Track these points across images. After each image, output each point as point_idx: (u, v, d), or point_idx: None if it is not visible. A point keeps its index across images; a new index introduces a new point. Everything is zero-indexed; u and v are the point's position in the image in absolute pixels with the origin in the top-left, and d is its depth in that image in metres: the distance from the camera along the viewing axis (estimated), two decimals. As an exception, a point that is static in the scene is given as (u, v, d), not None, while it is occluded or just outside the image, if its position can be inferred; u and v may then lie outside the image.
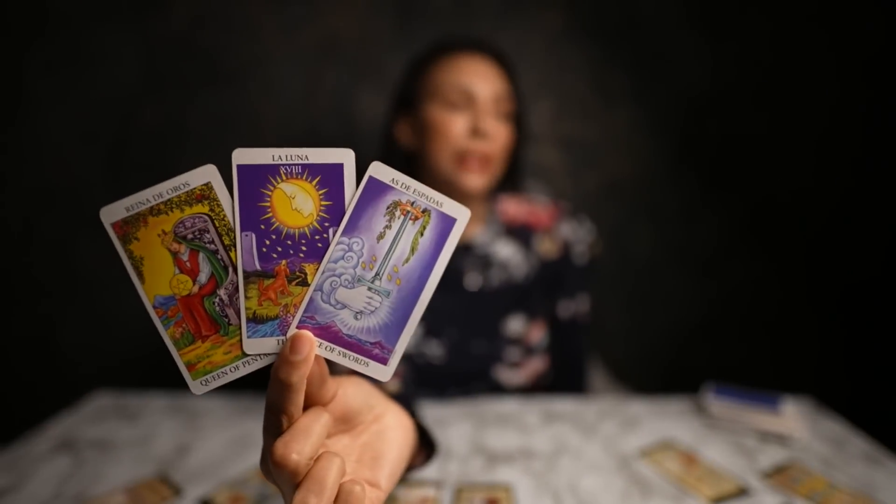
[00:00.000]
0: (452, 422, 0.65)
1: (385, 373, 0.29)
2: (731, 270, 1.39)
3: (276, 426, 0.27)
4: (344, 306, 0.29)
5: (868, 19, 1.27)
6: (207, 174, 0.27)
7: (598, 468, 0.56)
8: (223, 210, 0.27)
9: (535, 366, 0.81)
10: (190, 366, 0.28)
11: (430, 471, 0.55)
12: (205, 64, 1.24)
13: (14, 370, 1.37)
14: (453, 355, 0.78)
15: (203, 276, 0.28)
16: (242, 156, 0.27)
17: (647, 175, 1.34)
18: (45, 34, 1.22)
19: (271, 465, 0.26)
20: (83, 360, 1.37)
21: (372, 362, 0.29)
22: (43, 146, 1.26)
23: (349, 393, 0.32)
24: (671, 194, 1.35)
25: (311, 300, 0.28)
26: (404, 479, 0.45)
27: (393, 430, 0.34)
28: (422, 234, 0.29)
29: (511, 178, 0.85)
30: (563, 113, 1.30)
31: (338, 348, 0.29)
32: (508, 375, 0.80)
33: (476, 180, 0.73)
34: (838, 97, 1.31)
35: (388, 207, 0.28)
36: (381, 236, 0.29)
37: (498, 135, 0.74)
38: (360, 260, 0.28)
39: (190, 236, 0.27)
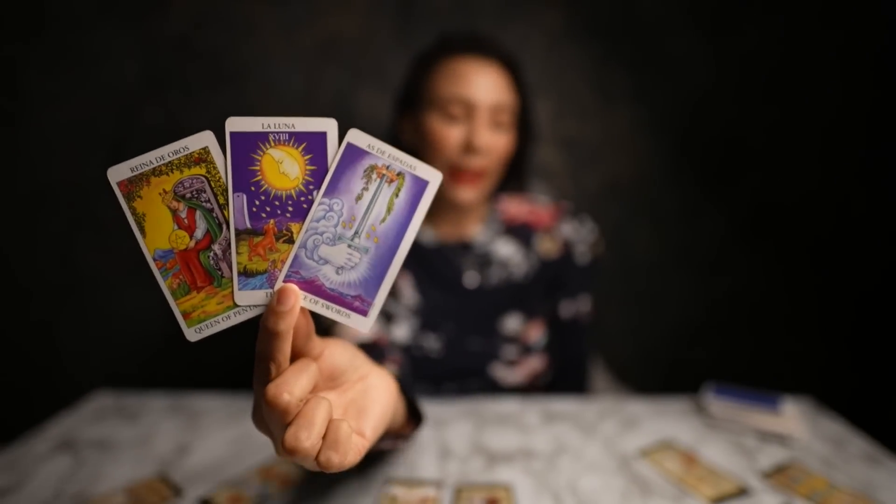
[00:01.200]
0: (452, 422, 0.65)
1: (365, 323, 0.31)
2: (732, 270, 1.39)
3: (265, 374, 0.29)
4: (326, 262, 0.31)
5: (872, 19, 1.27)
6: (205, 139, 0.29)
7: (598, 468, 0.56)
8: (219, 172, 0.30)
9: (533, 365, 0.81)
10: (185, 314, 0.30)
11: (430, 471, 0.55)
12: (205, 64, 1.24)
13: (14, 370, 1.37)
14: (450, 350, 0.78)
15: (199, 232, 0.30)
16: (235, 124, 0.29)
17: (648, 175, 1.34)
18: (45, 34, 1.22)
19: (264, 406, 0.28)
20: (83, 360, 1.37)
21: (353, 314, 0.31)
22: (43, 146, 1.26)
23: (335, 353, 0.34)
24: (672, 194, 1.35)
25: (296, 256, 0.30)
26: (382, 453, 0.47)
27: (376, 388, 0.36)
28: (397, 196, 0.31)
29: (515, 179, 0.84)
30: (564, 113, 1.30)
31: (321, 300, 0.31)
32: (505, 373, 0.80)
33: (467, 194, 0.74)
34: (841, 97, 1.31)
35: (365, 171, 0.30)
36: (359, 197, 0.31)
37: (494, 148, 0.73)
38: (341, 219, 0.31)
39: (188, 195, 0.30)
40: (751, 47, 1.28)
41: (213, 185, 0.30)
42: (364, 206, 0.31)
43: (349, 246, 0.31)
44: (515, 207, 0.86)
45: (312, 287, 0.31)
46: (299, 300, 0.29)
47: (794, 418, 0.63)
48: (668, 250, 1.38)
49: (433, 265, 0.80)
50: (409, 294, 0.79)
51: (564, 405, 0.71)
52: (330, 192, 0.30)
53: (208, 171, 0.30)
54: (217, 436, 0.63)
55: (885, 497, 0.51)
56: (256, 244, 0.30)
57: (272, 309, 0.28)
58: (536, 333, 0.82)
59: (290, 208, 0.30)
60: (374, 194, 0.31)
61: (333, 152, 0.30)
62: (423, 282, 0.80)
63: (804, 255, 1.39)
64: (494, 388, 0.80)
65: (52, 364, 1.37)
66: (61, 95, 1.24)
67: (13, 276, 1.32)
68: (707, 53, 1.28)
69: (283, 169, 0.30)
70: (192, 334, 0.30)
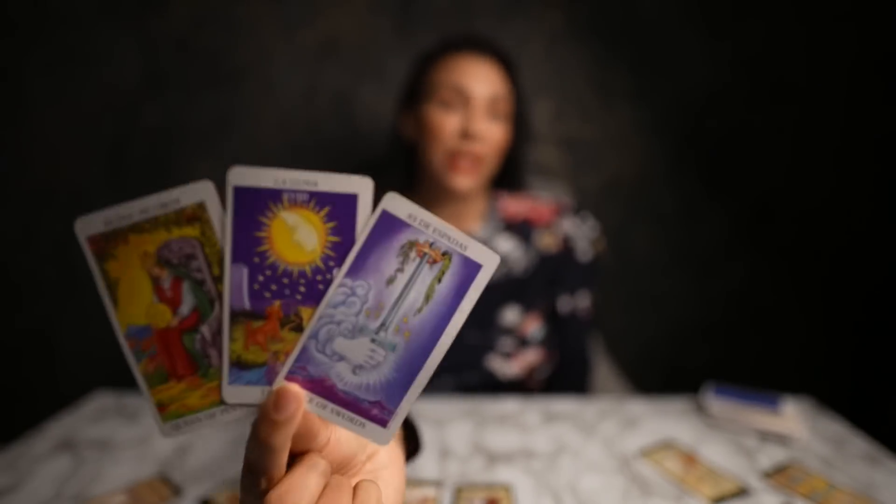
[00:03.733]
0: (452, 422, 0.65)
1: (384, 436, 0.26)
2: (732, 270, 1.39)
3: (255, 486, 0.24)
4: (341, 358, 0.25)
5: (880, 19, 1.27)
6: (202, 192, 0.24)
7: (598, 468, 0.56)
8: (215, 236, 0.24)
9: (529, 358, 0.82)
10: (161, 406, 0.25)
11: (430, 471, 0.54)
12: (205, 64, 1.24)
13: (14, 370, 1.37)
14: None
15: (185, 309, 0.25)
16: (241, 176, 0.24)
17: (648, 175, 1.34)
18: (44, 34, 1.22)
19: None
20: (83, 360, 1.37)
21: (369, 423, 0.26)
22: (43, 146, 1.26)
23: (342, 439, 0.28)
24: (671, 194, 1.35)
25: (305, 349, 0.25)
26: None
27: (387, 468, 0.31)
28: (440, 281, 0.25)
29: (511, 177, 0.85)
30: (563, 113, 1.30)
31: (331, 405, 0.26)
32: (501, 366, 0.80)
33: (464, 181, 0.75)
34: (844, 97, 1.31)
35: (401, 247, 0.25)
36: (391, 280, 0.25)
37: (490, 136, 0.75)
38: (365, 307, 0.25)
39: (175, 261, 0.24)
40: (751, 47, 1.28)
41: (206, 252, 0.24)
42: (397, 292, 0.25)
43: (372, 340, 0.25)
44: (515, 205, 0.87)
45: (321, 388, 0.25)
46: (302, 406, 0.23)
47: (794, 418, 0.63)
48: (668, 250, 1.38)
49: None
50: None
51: (564, 405, 0.71)
52: (355, 271, 0.24)
53: (203, 233, 0.24)
54: (217, 436, 0.63)
55: (885, 497, 0.50)
56: (256, 330, 0.24)
57: (266, 414, 0.23)
58: (534, 326, 0.83)
59: (303, 288, 0.24)
60: (412, 278, 0.25)
61: (364, 221, 0.24)
62: None
63: (805, 255, 1.39)
64: (491, 381, 0.80)
65: (52, 364, 1.37)
66: (61, 95, 1.24)
67: (13, 276, 1.32)
68: (709, 53, 1.28)
69: (298, 238, 0.24)
70: (168, 430, 0.25)
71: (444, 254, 0.25)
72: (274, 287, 0.24)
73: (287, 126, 1.28)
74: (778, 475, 0.54)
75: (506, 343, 0.81)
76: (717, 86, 1.30)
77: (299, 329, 0.25)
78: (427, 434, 0.62)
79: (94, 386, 0.88)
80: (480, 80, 0.74)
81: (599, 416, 0.68)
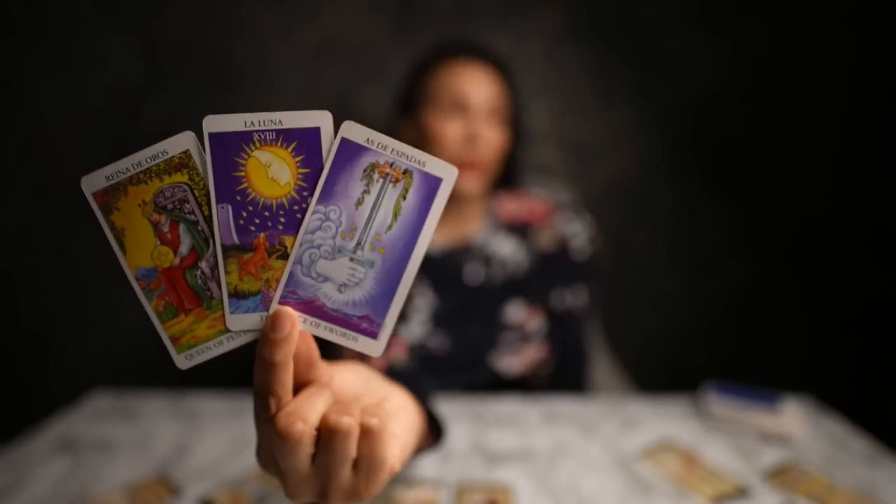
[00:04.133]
0: (452, 421, 0.65)
1: (376, 347, 0.28)
2: (732, 270, 1.39)
3: (265, 410, 0.26)
4: (326, 279, 0.27)
5: (880, 20, 1.27)
6: (185, 142, 0.26)
7: (598, 468, 0.56)
8: (203, 179, 0.26)
9: (532, 353, 0.83)
10: (174, 339, 0.27)
11: (429, 471, 0.54)
12: (205, 64, 1.24)
13: (14, 370, 1.36)
14: (454, 345, 0.80)
15: (184, 248, 0.27)
16: (214, 123, 0.26)
17: (649, 175, 1.34)
18: (44, 34, 1.22)
19: (274, 440, 0.26)
20: (83, 360, 1.37)
21: (361, 337, 0.28)
22: (43, 146, 1.26)
23: (347, 378, 0.31)
24: (672, 194, 1.35)
25: (292, 274, 0.27)
26: (411, 463, 0.45)
27: (398, 411, 0.32)
28: (404, 198, 0.27)
29: (508, 179, 0.87)
30: (564, 113, 1.30)
31: (323, 323, 0.28)
32: (506, 362, 0.81)
33: (471, 183, 0.76)
34: (844, 97, 1.31)
35: (364, 171, 0.26)
36: (359, 202, 0.27)
37: (491, 140, 0.76)
38: (339, 229, 0.27)
39: (170, 206, 0.26)
40: (752, 47, 1.28)
41: (196, 195, 0.26)
42: (366, 213, 0.27)
43: (351, 259, 0.27)
44: (512, 205, 0.87)
45: (312, 308, 0.27)
46: (297, 325, 0.26)
47: (794, 418, 0.63)
48: (669, 250, 1.38)
49: (439, 269, 0.82)
50: (426, 296, 0.81)
51: (564, 405, 0.71)
52: (325, 198, 0.26)
53: (191, 179, 0.26)
54: (217, 436, 0.63)
55: (886, 497, 0.50)
56: (247, 261, 0.26)
57: (266, 336, 0.25)
58: (536, 321, 0.83)
59: (283, 219, 0.26)
60: (378, 197, 0.27)
61: (328, 151, 0.26)
62: (431, 285, 0.81)
63: (806, 255, 1.39)
64: (497, 378, 0.80)
65: (51, 363, 1.37)
66: (61, 95, 1.24)
67: (13, 276, 1.32)
68: (709, 53, 1.28)
69: (272, 174, 0.26)
70: (183, 361, 0.27)
71: (405, 172, 0.26)
72: (257, 221, 0.26)
73: (287, 126, 1.28)
74: (778, 475, 0.54)
75: (509, 339, 0.82)
76: (718, 86, 1.30)
77: (285, 256, 0.27)
78: (427, 434, 0.62)
79: (94, 386, 0.88)
80: (479, 87, 0.75)
81: (600, 416, 0.68)
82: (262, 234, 0.26)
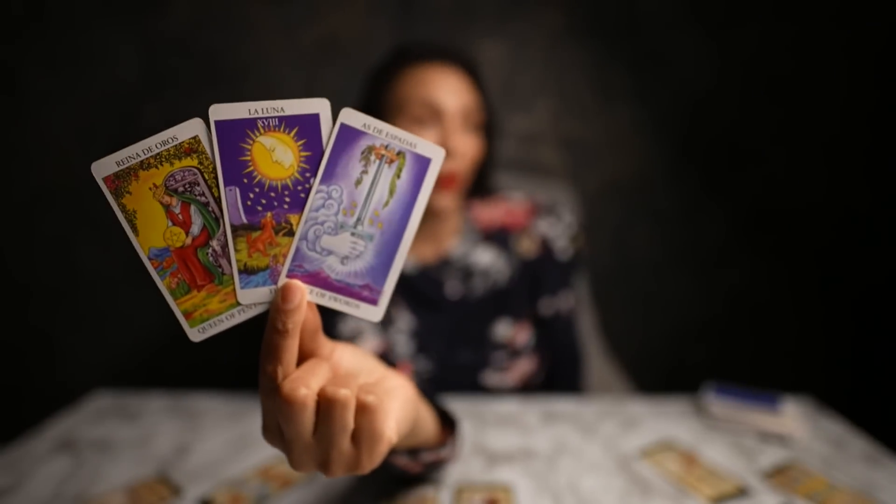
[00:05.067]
0: (452, 422, 0.65)
1: (376, 313, 0.30)
2: (731, 269, 1.39)
3: (272, 379, 0.28)
4: (330, 252, 0.29)
5: (878, 19, 1.27)
6: (194, 128, 0.28)
7: (598, 468, 0.56)
8: (212, 163, 0.28)
9: (523, 367, 0.81)
10: (187, 314, 0.29)
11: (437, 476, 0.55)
12: (205, 64, 1.24)
13: (13, 370, 1.37)
14: (441, 367, 0.78)
15: (195, 228, 0.28)
16: (219, 111, 0.27)
17: (648, 175, 1.34)
18: (45, 34, 1.22)
19: (280, 406, 0.27)
20: (83, 360, 1.37)
21: (362, 304, 0.30)
22: (43, 146, 1.26)
23: (346, 356, 0.33)
24: (672, 194, 1.35)
25: (298, 249, 0.29)
26: (433, 465, 0.47)
27: (394, 388, 0.33)
28: (398, 177, 0.29)
29: (482, 186, 0.83)
30: (564, 113, 1.30)
31: (328, 293, 0.30)
32: (497, 379, 0.79)
33: (444, 200, 0.72)
34: (844, 97, 1.31)
35: (362, 153, 0.29)
36: (358, 182, 0.29)
37: (467, 150, 0.72)
38: (341, 207, 0.29)
39: (181, 189, 0.28)
40: (753, 47, 1.28)
41: (206, 178, 0.28)
42: (365, 191, 0.29)
43: (352, 234, 0.29)
44: (488, 212, 0.84)
45: (318, 280, 0.30)
46: (305, 296, 0.28)
47: (794, 418, 0.63)
48: (668, 250, 1.38)
49: (417, 289, 0.79)
50: (403, 318, 0.79)
51: (564, 405, 0.71)
52: (327, 178, 0.29)
53: (200, 163, 0.28)
54: (217, 436, 0.63)
55: (885, 497, 0.50)
56: (255, 239, 0.28)
57: (277, 307, 0.27)
58: (524, 336, 0.82)
59: (288, 199, 0.28)
60: (375, 177, 0.29)
61: (327, 134, 0.28)
62: (412, 306, 0.79)
63: (805, 254, 1.39)
64: (488, 395, 0.79)
65: (51, 364, 1.37)
66: (61, 95, 1.24)
67: (12, 276, 1.32)
68: (708, 53, 1.28)
69: (276, 157, 0.28)
70: (196, 335, 0.29)
71: (399, 153, 0.29)
72: (264, 201, 0.28)
73: (287, 126, 1.28)
74: (778, 475, 0.54)
75: (499, 357, 0.80)
76: (717, 85, 1.30)
77: (290, 234, 0.29)
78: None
79: (94, 386, 0.88)
80: (451, 92, 0.70)
81: (599, 416, 0.68)
82: (268, 214, 0.28)
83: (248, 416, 0.67)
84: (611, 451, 0.59)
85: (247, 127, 0.28)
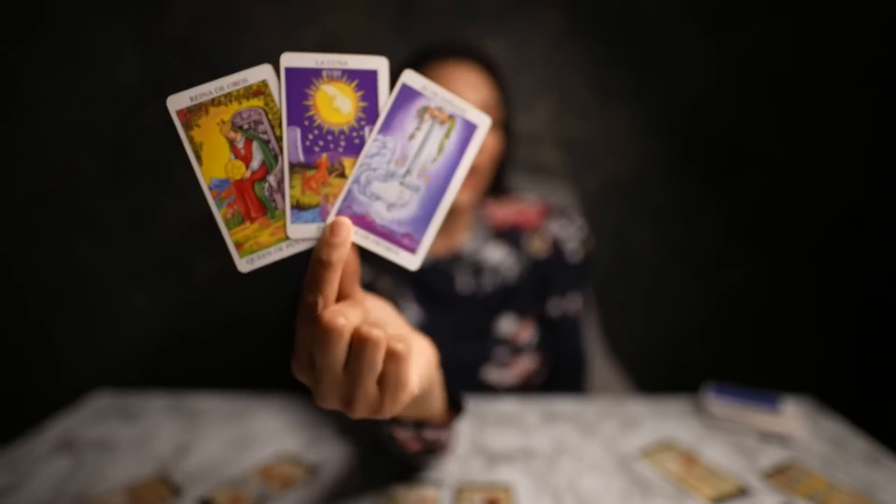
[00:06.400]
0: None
1: (413, 261, 0.32)
2: (732, 270, 1.39)
3: (312, 309, 0.30)
4: (378, 198, 0.32)
5: (876, 19, 1.27)
6: (264, 72, 0.30)
7: (598, 468, 0.56)
8: (276, 105, 0.30)
9: (524, 365, 0.81)
10: (238, 245, 0.31)
11: (430, 471, 0.55)
12: (205, 64, 1.24)
13: (14, 370, 1.37)
14: (443, 362, 0.78)
15: (255, 163, 0.31)
16: (289, 59, 0.30)
17: (648, 175, 1.34)
18: (45, 34, 1.22)
19: (318, 334, 0.29)
20: (83, 360, 1.37)
21: (402, 251, 0.32)
22: (43, 146, 1.26)
23: (377, 307, 0.36)
24: (672, 194, 1.35)
25: (349, 191, 0.31)
26: (431, 448, 0.48)
27: (420, 347, 0.36)
28: (447, 137, 0.32)
29: (498, 185, 0.85)
30: (564, 113, 1.30)
31: (371, 236, 0.32)
32: (497, 375, 0.80)
33: (464, 196, 0.74)
34: (843, 97, 1.31)
35: (418, 111, 0.31)
36: (411, 137, 0.31)
37: (486, 147, 0.73)
38: (394, 157, 0.31)
39: (246, 126, 0.30)
40: (752, 47, 1.28)
41: (270, 118, 0.30)
42: (416, 146, 0.31)
43: (401, 183, 0.32)
44: (501, 211, 0.85)
45: (364, 222, 0.31)
46: (351, 233, 0.30)
47: (794, 418, 0.63)
48: (668, 250, 1.38)
49: (427, 282, 0.80)
50: (410, 310, 0.79)
51: (564, 405, 0.71)
52: (384, 129, 0.31)
53: (266, 104, 0.30)
54: (217, 436, 0.63)
55: (885, 497, 0.50)
56: (309, 178, 0.31)
57: (325, 241, 0.29)
58: (528, 333, 0.82)
59: (343, 143, 0.31)
60: (427, 135, 0.32)
61: (384, 89, 0.31)
62: (419, 298, 0.80)
63: (805, 254, 1.39)
64: (488, 391, 0.79)
65: (51, 364, 1.37)
66: (61, 95, 1.24)
67: (13, 277, 1.32)
68: (708, 53, 1.28)
69: (336, 104, 0.31)
70: (244, 265, 0.31)
71: (450, 116, 0.32)
72: (321, 143, 0.31)
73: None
74: (778, 475, 0.54)
75: (501, 352, 0.80)
76: (717, 85, 1.30)
77: (342, 176, 0.31)
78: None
79: (94, 386, 0.88)
80: (471, 90, 0.72)
81: (599, 416, 0.68)
82: (324, 155, 0.31)
83: (248, 416, 0.67)
84: (611, 451, 0.59)
85: (312, 75, 0.30)
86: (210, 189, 0.30)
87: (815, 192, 1.36)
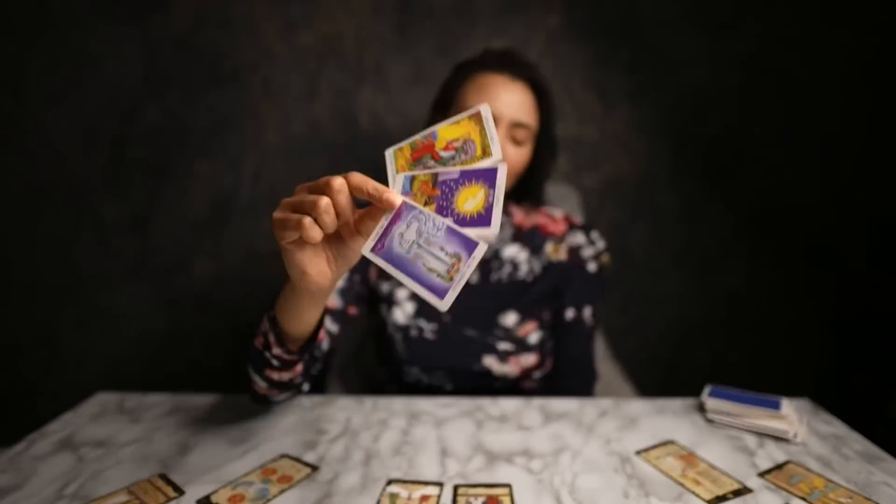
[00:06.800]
0: (452, 422, 0.66)
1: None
2: (731, 270, 1.39)
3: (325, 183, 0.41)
4: (425, 250, 0.41)
5: (874, 19, 1.27)
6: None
7: (597, 468, 0.56)
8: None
9: (525, 360, 0.83)
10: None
11: (430, 471, 0.55)
12: (205, 64, 1.24)
13: (15, 370, 1.37)
14: (444, 337, 0.82)
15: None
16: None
17: (647, 175, 1.34)
18: (45, 34, 1.22)
19: (314, 185, 0.42)
20: (84, 361, 1.37)
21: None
22: (43, 146, 1.27)
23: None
24: (671, 194, 1.35)
25: (421, 213, 0.42)
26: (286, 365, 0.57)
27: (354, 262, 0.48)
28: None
29: (527, 194, 0.86)
30: (563, 113, 1.30)
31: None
32: (498, 365, 0.82)
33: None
34: (841, 97, 1.31)
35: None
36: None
37: (508, 161, 0.76)
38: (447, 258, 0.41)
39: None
40: (751, 47, 1.28)
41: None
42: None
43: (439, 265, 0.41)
44: (526, 217, 0.89)
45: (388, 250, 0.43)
46: (393, 200, 0.42)
47: (793, 419, 0.63)
48: (667, 250, 1.38)
49: None
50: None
51: (564, 405, 0.71)
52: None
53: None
54: (217, 436, 0.63)
55: (883, 497, 0.51)
56: (423, 184, 0.44)
57: (374, 190, 0.41)
58: (532, 333, 0.83)
59: (451, 219, 0.42)
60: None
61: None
62: None
63: (804, 255, 1.39)
64: (487, 378, 0.81)
65: (53, 364, 1.37)
66: (61, 95, 1.25)
67: (14, 277, 1.32)
68: (707, 53, 1.28)
69: (469, 203, 0.42)
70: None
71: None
72: (444, 204, 0.43)
73: (287, 126, 1.28)
74: (777, 475, 0.54)
75: (503, 344, 0.82)
76: (716, 85, 1.30)
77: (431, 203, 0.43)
78: (427, 434, 0.62)
79: (96, 386, 0.89)
80: (506, 104, 0.75)
81: (599, 415, 0.68)
82: (433, 205, 0.43)
83: (249, 416, 0.68)
84: (610, 451, 0.59)
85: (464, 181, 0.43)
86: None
87: (814, 192, 1.36)
